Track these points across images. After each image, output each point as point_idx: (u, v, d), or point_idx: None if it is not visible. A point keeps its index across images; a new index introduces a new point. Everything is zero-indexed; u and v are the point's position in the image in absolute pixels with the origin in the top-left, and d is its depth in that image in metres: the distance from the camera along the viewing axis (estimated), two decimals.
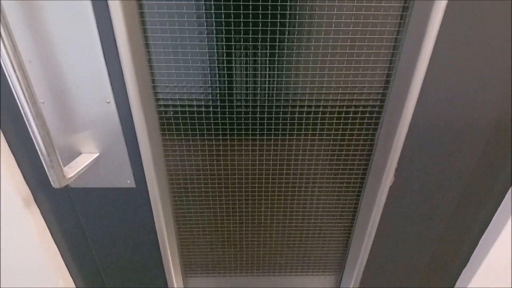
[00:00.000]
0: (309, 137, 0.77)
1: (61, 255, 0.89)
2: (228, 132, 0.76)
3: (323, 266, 1.04)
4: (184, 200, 0.87)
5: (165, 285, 0.98)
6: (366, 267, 0.94)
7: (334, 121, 0.75)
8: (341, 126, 0.76)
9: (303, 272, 1.06)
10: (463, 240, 0.94)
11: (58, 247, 0.88)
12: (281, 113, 0.73)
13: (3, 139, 0.68)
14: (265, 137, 0.76)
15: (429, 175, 0.77)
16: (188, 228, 0.93)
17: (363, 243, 0.87)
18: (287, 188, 0.85)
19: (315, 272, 1.06)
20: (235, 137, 0.76)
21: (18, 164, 0.73)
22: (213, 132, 0.75)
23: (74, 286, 0.98)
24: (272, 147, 0.78)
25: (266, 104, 0.72)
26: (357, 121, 0.75)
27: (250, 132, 0.76)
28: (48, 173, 0.59)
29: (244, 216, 0.90)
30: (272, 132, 0.76)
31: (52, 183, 0.60)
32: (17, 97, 0.52)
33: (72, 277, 0.95)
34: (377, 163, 0.77)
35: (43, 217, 0.81)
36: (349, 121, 0.75)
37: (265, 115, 0.73)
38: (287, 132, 0.76)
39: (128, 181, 0.74)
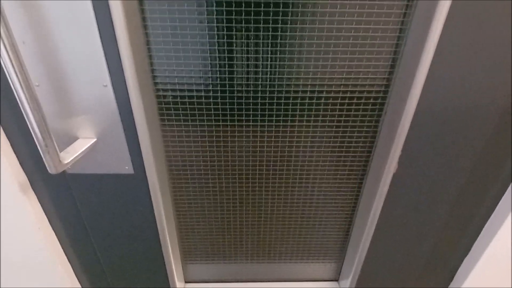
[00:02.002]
0: (311, 123, 0.75)
1: (59, 241, 0.89)
2: (228, 117, 0.74)
3: (323, 253, 1.04)
4: (184, 187, 0.86)
5: (164, 271, 0.97)
6: (367, 255, 0.94)
7: (338, 107, 0.73)
8: (344, 113, 0.74)
9: (304, 260, 1.06)
10: (465, 230, 0.94)
11: (55, 233, 0.87)
12: (283, 98, 0.72)
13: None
14: (266, 123, 0.75)
15: (434, 163, 0.76)
16: (187, 215, 0.92)
17: (365, 231, 0.87)
18: (288, 175, 0.84)
19: (316, 259, 1.06)
20: (236, 123, 0.75)
21: (13, 149, 0.71)
22: (213, 118, 0.74)
23: (72, 271, 0.97)
24: (273, 133, 0.76)
25: (267, 89, 0.70)
26: (361, 107, 0.73)
27: (251, 117, 0.74)
28: (44, 159, 0.58)
29: (245, 203, 0.89)
30: (274, 117, 0.74)
31: (48, 168, 0.59)
32: (10, 79, 0.50)
33: (70, 263, 0.94)
34: (380, 150, 0.76)
35: (40, 203, 0.80)
36: (353, 107, 0.73)
37: (267, 100, 0.72)
38: (289, 118, 0.74)
39: (126, 167, 0.72)
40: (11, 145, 0.70)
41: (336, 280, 1.14)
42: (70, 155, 0.62)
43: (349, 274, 1.01)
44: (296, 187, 0.86)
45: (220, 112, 0.73)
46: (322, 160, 0.81)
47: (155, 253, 0.91)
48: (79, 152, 0.64)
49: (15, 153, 0.71)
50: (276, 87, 0.70)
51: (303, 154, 0.80)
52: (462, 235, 0.94)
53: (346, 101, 0.72)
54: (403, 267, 1.00)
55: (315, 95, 0.71)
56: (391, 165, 0.73)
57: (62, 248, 0.90)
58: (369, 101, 0.72)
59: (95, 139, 0.68)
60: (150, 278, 1.00)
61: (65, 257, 0.92)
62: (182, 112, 0.72)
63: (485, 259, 0.94)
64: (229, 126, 0.75)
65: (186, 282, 1.12)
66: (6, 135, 0.69)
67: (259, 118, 0.74)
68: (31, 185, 0.76)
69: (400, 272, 1.02)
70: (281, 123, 0.75)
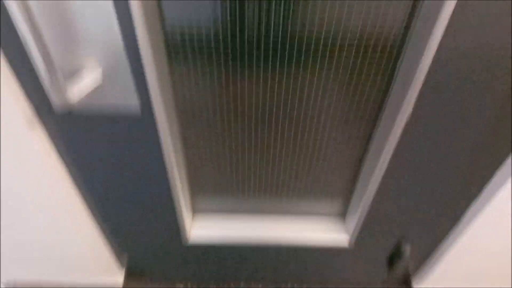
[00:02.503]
0: (325, 65, 0.72)
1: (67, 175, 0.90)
2: (238, 56, 0.71)
3: (331, 190, 1.06)
4: (192, 126, 0.85)
5: (172, 205, 1.00)
6: (376, 194, 0.95)
7: (353, 49, 0.69)
8: (360, 54, 0.70)
9: (311, 195, 1.08)
10: (474, 181, 0.94)
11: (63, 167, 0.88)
12: (296, 37, 0.68)
13: (2, 56, 0.64)
14: (277, 62, 0.72)
15: (450, 111, 0.73)
16: (196, 151, 0.92)
17: (374, 173, 0.87)
18: (299, 115, 0.82)
19: (323, 195, 1.08)
20: (246, 62, 0.72)
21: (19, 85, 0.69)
22: (222, 54, 0.71)
23: (81, 205, 1.00)
24: (285, 72, 0.73)
25: (280, 28, 0.66)
26: (378, 48, 0.69)
27: (262, 56, 0.71)
28: (49, 95, 0.57)
29: (253, 140, 0.89)
30: (286, 56, 0.71)
31: (53, 105, 0.58)
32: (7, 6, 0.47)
33: (77, 195, 0.97)
34: (395, 94, 0.73)
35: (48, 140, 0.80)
36: (369, 50, 0.69)
37: (279, 39, 0.68)
38: (302, 58, 0.71)
39: (134, 107, 0.71)
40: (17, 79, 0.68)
41: (343, 216, 1.17)
42: (76, 91, 0.60)
43: (356, 211, 1.04)
44: (307, 127, 0.85)
45: (229, 51, 0.69)
46: (335, 102, 0.79)
47: (163, 186, 0.93)
48: (85, 88, 0.62)
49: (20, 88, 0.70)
50: (290, 26, 0.66)
51: (315, 94, 0.77)
52: (471, 183, 0.94)
53: (363, 43, 0.68)
54: (410, 209, 1.02)
55: (331, 34, 0.67)
56: (406, 111, 0.71)
57: (68, 177, 0.92)
58: (387, 43, 0.68)
59: (100, 77, 0.66)
60: (158, 211, 1.03)
61: (72, 187, 0.94)
62: (190, 50, 0.69)
63: (493, 206, 0.95)
64: (239, 65, 0.72)
65: (194, 212, 1.17)
66: (11, 67, 0.66)
67: (270, 57, 0.71)
68: (39, 122, 0.76)
69: (406, 213, 1.04)
70: (293, 62, 0.71)
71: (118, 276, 1.36)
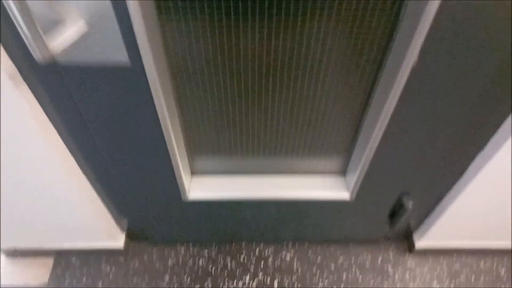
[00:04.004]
0: (324, 12, 0.67)
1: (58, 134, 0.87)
2: (232, 6, 0.66)
3: (331, 147, 1.03)
4: (186, 80, 0.81)
5: (170, 164, 0.98)
6: (377, 150, 0.92)
7: None
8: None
9: (311, 153, 1.06)
10: (476, 136, 0.91)
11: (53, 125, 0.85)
12: None
13: None
14: (274, 9, 0.67)
15: (459, 58, 0.69)
16: (191, 108, 0.89)
17: (376, 125, 0.83)
18: (298, 66, 0.78)
19: (323, 153, 1.06)
20: (241, 9, 0.67)
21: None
22: (214, 5, 0.66)
23: (79, 168, 0.98)
24: (282, 21, 0.69)
25: None
26: None
27: (258, 4, 0.66)
28: (29, 46, 0.53)
29: (250, 95, 0.85)
30: (283, 4, 0.66)
31: (35, 57, 0.54)
32: None
33: (71, 154, 0.94)
34: (401, 38, 0.68)
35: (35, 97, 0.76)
36: None
37: None
38: (300, 3, 0.66)
39: (122, 57, 0.67)
40: None
41: (343, 173, 1.16)
42: (58, 42, 0.56)
43: (357, 168, 1.02)
44: (306, 78, 0.81)
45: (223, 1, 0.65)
46: (336, 49, 0.75)
47: (159, 145, 0.91)
48: (68, 39, 0.58)
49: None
50: None
51: (315, 43, 0.73)
52: (473, 139, 0.92)
53: None
54: (412, 164, 1.00)
55: None
56: (411, 57, 0.67)
57: (62, 140, 0.89)
58: None
59: (84, 25, 0.61)
60: (156, 171, 1.01)
61: (66, 149, 0.91)
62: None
63: (494, 162, 0.93)
64: (233, 13, 0.67)
65: (192, 174, 1.15)
66: None
67: (266, 4, 0.66)
68: (23, 78, 0.72)
69: (408, 168, 1.02)
70: (290, 9, 0.67)
71: (119, 240, 1.36)
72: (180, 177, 1.02)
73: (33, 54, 0.53)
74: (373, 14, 0.68)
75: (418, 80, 0.73)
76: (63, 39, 0.58)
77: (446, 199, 1.17)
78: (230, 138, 0.99)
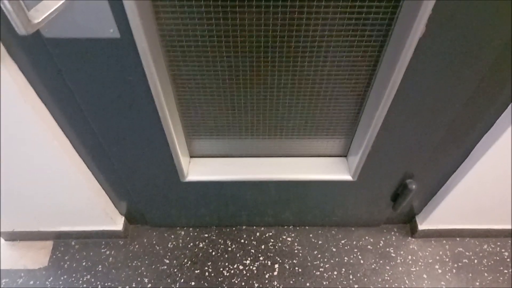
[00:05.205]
0: None
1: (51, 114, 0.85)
2: None
3: (333, 129, 1.00)
4: (181, 59, 0.78)
5: (167, 145, 0.95)
6: (379, 131, 0.89)
7: None
8: None
9: (312, 136, 1.03)
10: (480, 119, 0.88)
11: (45, 105, 0.82)
12: None
13: None
14: None
15: (467, 30, 0.65)
16: (187, 87, 0.85)
17: (380, 104, 0.80)
18: (297, 46, 0.75)
19: (325, 135, 1.03)
20: None
21: None
22: None
23: (70, 145, 0.95)
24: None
25: None
26: None
27: None
28: (9, 17, 0.49)
29: (249, 75, 0.82)
30: None
31: (16, 29, 0.51)
32: None
33: (65, 134, 0.92)
34: (408, 5, 0.64)
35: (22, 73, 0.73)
36: None
37: None
38: None
39: (111, 30, 0.64)
40: None
41: (345, 156, 1.13)
42: (40, 13, 0.53)
43: (359, 150, 0.99)
44: (306, 58, 0.78)
45: None
46: (338, 24, 0.71)
47: (156, 127, 0.88)
48: (51, 10, 0.55)
49: None
50: None
51: (316, 16, 0.69)
52: (481, 117, 0.89)
53: None
54: (414, 145, 0.97)
55: None
56: (419, 28, 0.63)
57: (55, 121, 0.86)
58: None
59: None
60: (153, 152, 0.99)
61: (60, 130, 0.89)
62: None
63: (498, 146, 0.91)
64: None
65: (192, 156, 1.13)
66: None
67: None
68: (8, 53, 0.69)
69: (409, 150, 0.99)
70: None
71: (118, 224, 1.35)
72: (178, 157, 0.99)
73: (14, 26, 0.50)
74: None
75: (425, 53, 0.69)
76: (47, 10, 0.54)
77: (450, 181, 1.14)
78: (228, 120, 0.96)
